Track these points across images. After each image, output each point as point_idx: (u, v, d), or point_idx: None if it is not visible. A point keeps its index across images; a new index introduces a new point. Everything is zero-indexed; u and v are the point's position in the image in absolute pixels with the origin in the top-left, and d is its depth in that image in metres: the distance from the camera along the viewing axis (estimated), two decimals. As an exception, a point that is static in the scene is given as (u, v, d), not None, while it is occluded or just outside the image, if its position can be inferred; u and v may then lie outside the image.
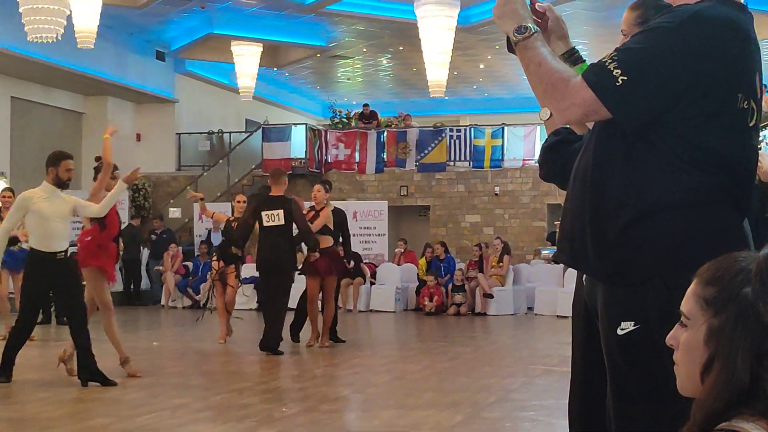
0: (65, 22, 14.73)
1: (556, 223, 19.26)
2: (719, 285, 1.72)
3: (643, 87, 2.47)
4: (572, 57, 3.05)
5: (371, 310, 18.29)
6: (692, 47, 2.48)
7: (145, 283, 20.81)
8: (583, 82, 2.51)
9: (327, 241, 11.54)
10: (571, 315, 3.29)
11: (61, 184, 8.72)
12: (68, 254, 8.73)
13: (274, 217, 11.02)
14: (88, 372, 8.49)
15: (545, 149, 3.51)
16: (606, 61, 2.51)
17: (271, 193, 11.37)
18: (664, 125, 2.51)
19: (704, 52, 2.48)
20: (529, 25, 2.66)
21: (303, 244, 11.57)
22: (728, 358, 1.66)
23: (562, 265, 17.27)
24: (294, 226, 11.19)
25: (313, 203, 11.95)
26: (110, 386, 8.41)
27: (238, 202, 12.35)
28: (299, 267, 11.61)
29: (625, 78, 2.46)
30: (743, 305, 1.67)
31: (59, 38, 14.73)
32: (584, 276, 2.91)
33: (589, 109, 2.52)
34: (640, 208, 2.52)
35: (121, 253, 20.35)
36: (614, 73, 2.46)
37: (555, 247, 18.74)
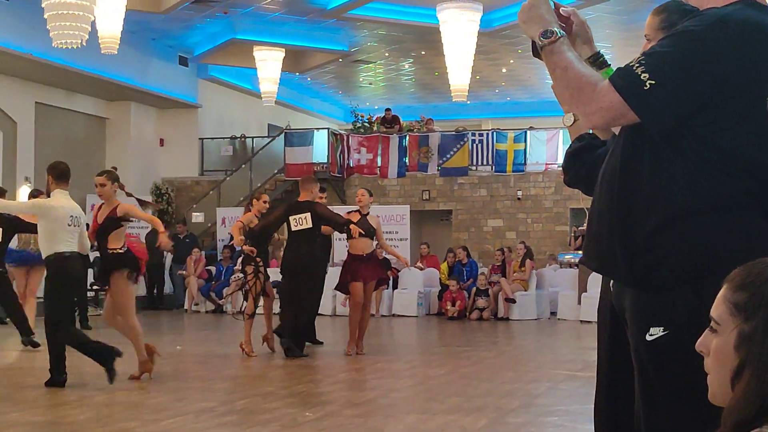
0: (90, 28, 14.81)
1: (580, 228, 19.17)
2: (750, 290, 1.71)
3: (671, 91, 2.46)
4: (597, 61, 3.05)
5: (394, 315, 18.28)
6: (720, 51, 2.46)
7: (168, 287, 20.90)
8: (610, 86, 2.50)
9: (369, 246, 11.54)
10: (595, 320, 3.27)
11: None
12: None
13: (301, 221, 11.07)
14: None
15: (569, 155, 3.50)
16: (633, 65, 2.50)
17: (299, 199, 11.40)
18: (691, 129, 2.50)
19: (732, 56, 2.47)
20: (555, 29, 2.66)
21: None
22: (759, 365, 1.65)
23: (577, 270, 17.23)
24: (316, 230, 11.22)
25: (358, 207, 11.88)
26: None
27: (265, 202, 12.24)
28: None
29: (653, 82, 2.45)
30: None
31: (84, 44, 14.81)
32: (611, 281, 2.90)
33: (617, 113, 2.52)
34: (668, 213, 2.51)
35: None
36: (642, 77, 2.46)
37: (577, 252, 18.67)
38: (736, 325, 1.71)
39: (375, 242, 11.71)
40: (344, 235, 12.13)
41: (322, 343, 12.41)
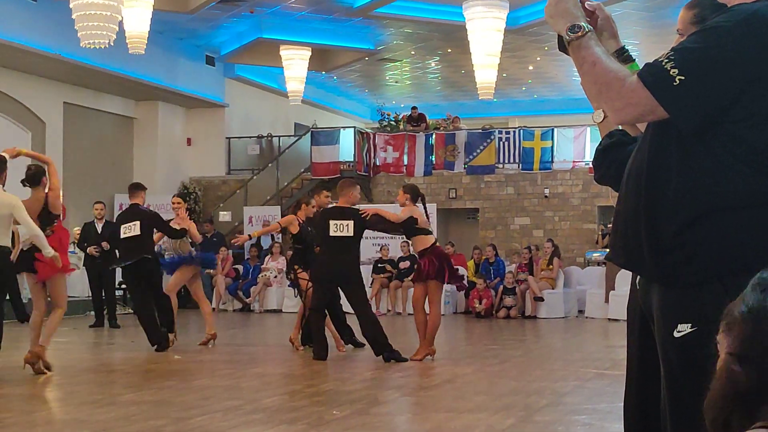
0: (117, 28, 14.89)
1: (609, 226, 19.10)
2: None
3: (701, 87, 2.43)
4: (622, 56, 3.01)
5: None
6: (750, 46, 2.44)
7: (195, 286, 20.96)
8: (639, 82, 2.47)
9: (427, 241, 10.95)
10: (623, 318, 3.25)
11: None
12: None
13: (342, 228, 10.73)
14: None
15: (599, 152, 3.47)
16: (662, 60, 2.47)
17: (339, 204, 11.02)
18: (720, 125, 2.47)
19: (762, 52, 2.44)
20: (583, 24, 2.63)
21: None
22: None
23: (604, 268, 17.15)
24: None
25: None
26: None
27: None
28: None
29: (683, 77, 2.42)
30: None
31: (112, 44, 14.89)
32: (638, 278, 2.87)
33: (646, 108, 2.49)
34: (697, 210, 2.48)
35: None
36: (671, 72, 2.43)
37: (604, 250, 18.60)
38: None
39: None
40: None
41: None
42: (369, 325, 10.65)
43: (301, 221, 11.73)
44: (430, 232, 11.09)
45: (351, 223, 10.71)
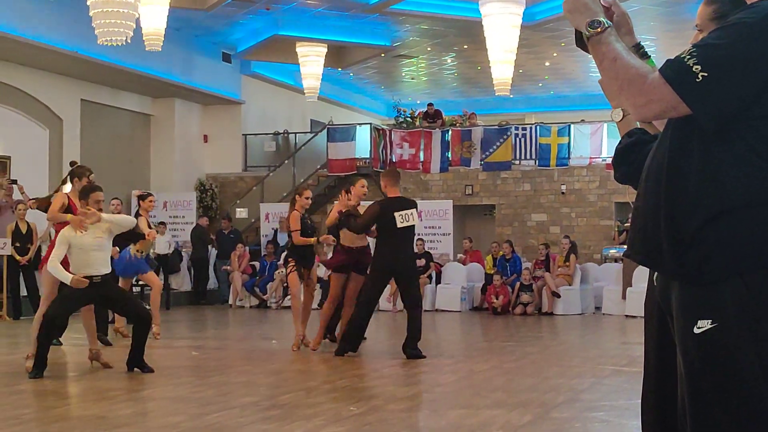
0: (134, 25, 14.93)
1: (626, 223, 19.04)
2: None
3: (724, 83, 2.42)
4: (638, 53, 3.01)
5: (437, 310, 18.27)
6: None
7: (212, 282, 21.04)
8: (661, 78, 2.47)
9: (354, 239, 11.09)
10: (640, 315, 3.24)
11: None
12: (104, 278, 9.17)
13: (408, 218, 10.55)
14: (138, 359, 9.28)
15: (620, 151, 3.46)
16: (684, 56, 2.46)
17: (392, 195, 10.82)
18: (743, 122, 2.46)
19: None
20: (602, 19, 2.63)
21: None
22: None
23: (621, 265, 17.10)
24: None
25: None
26: (149, 372, 9.17)
27: (307, 198, 11.99)
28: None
29: (706, 74, 2.41)
30: None
31: (129, 41, 14.93)
32: (655, 274, 2.86)
33: (668, 105, 2.48)
34: (719, 206, 2.47)
35: (190, 252, 20.71)
36: (694, 68, 2.42)
37: (621, 246, 18.53)
38: None
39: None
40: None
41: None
42: (418, 321, 10.64)
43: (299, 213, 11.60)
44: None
45: (414, 211, 10.66)
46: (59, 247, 9.02)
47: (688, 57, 2.45)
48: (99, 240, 9.06)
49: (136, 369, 9.25)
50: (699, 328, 2.51)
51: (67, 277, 8.89)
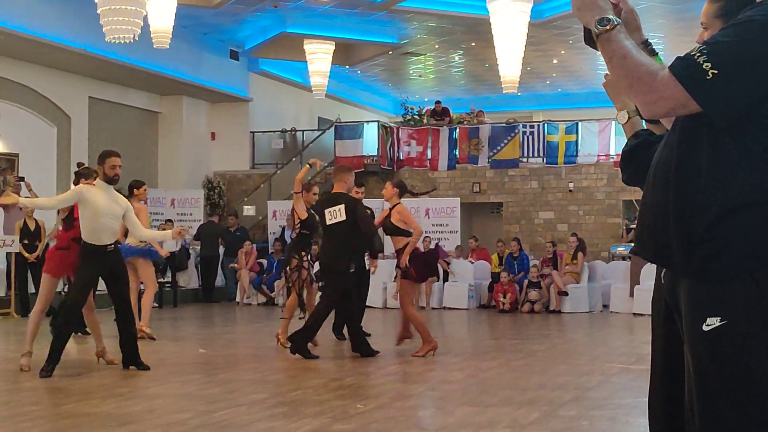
0: (142, 23, 14.95)
1: (633, 221, 19.00)
2: None
3: (735, 81, 2.41)
4: (646, 49, 3.00)
5: (444, 308, 18.27)
6: None
7: (220, 280, 21.06)
8: (671, 76, 2.46)
9: (404, 241, 10.82)
10: (648, 313, 3.24)
11: (109, 180, 9.25)
12: (116, 247, 9.27)
13: (335, 214, 10.62)
14: (132, 355, 9.25)
15: (626, 153, 3.46)
16: (695, 54, 2.45)
17: (333, 190, 10.93)
18: (753, 120, 2.46)
19: None
20: (612, 16, 2.62)
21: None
22: None
23: (629, 263, 17.07)
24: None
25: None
26: (145, 370, 9.18)
27: (315, 194, 11.88)
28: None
29: (716, 72, 2.40)
30: None
31: (137, 38, 14.95)
32: (663, 272, 2.86)
33: (678, 103, 2.48)
34: (728, 204, 2.47)
35: (198, 250, 20.70)
36: (704, 66, 2.42)
37: (629, 244, 18.52)
38: None
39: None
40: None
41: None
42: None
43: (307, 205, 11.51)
44: (410, 234, 10.76)
45: (342, 207, 10.63)
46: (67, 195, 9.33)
47: (699, 54, 2.45)
48: (117, 210, 9.16)
49: (131, 367, 9.26)
50: (708, 325, 2.50)
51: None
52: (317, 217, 11.13)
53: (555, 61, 24.90)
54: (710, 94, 2.44)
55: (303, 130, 25.53)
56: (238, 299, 20.01)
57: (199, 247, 20.84)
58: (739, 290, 2.46)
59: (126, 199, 9.55)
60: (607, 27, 2.61)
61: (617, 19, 2.63)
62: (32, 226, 15.69)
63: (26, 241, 15.60)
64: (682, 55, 2.51)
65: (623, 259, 18.66)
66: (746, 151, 2.47)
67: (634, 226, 18.65)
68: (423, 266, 10.78)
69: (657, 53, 3.09)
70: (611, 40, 2.60)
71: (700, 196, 2.51)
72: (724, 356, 2.49)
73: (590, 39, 2.72)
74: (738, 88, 2.42)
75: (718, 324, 2.48)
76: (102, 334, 9.90)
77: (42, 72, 19.36)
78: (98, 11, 14.78)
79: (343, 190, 10.80)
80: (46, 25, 17.59)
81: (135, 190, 12.14)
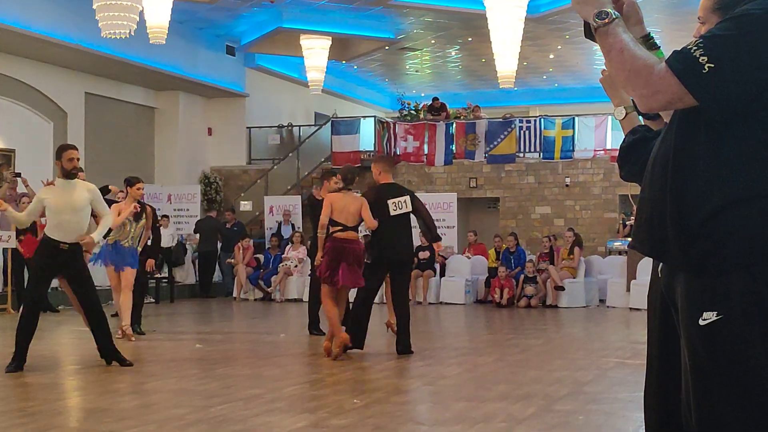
0: (138, 18, 14.92)
1: (630, 216, 19.01)
2: None
3: (731, 74, 2.42)
4: (647, 43, 3.00)
5: (441, 303, 18.28)
6: None
7: (217, 275, 21.05)
8: (668, 69, 2.46)
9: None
10: (645, 307, 3.24)
11: (68, 175, 9.19)
12: (74, 248, 9.10)
13: (401, 205, 10.28)
14: (110, 352, 9.18)
15: (624, 149, 3.46)
16: (691, 48, 2.46)
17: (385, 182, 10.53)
18: (750, 114, 2.46)
19: None
20: (610, 10, 2.62)
21: None
22: None
23: (626, 258, 17.09)
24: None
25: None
26: (127, 366, 9.07)
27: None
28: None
29: (712, 65, 2.41)
30: None
31: (132, 34, 14.92)
32: (660, 267, 2.86)
33: (674, 96, 2.48)
34: (726, 198, 2.47)
35: (195, 245, 20.68)
36: (700, 59, 2.42)
37: (626, 239, 18.52)
38: None
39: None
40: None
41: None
42: (405, 316, 10.35)
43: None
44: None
45: (408, 199, 10.31)
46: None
47: (695, 48, 2.45)
48: (77, 203, 9.06)
49: (114, 362, 9.18)
50: (704, 320, 2.50)
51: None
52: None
53: (551, 56, 24.89)
54: (706, 88, 2.44)
55: (300, 126, 25.51)
56: (234, 294, 20.01)
57: (195, 243, 20.83)
58: (736, 285, 2.46)
59: (92, 186, 9.35)
60: (606, 20, 2.61)
61: (616, 12, 2.64)
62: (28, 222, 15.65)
63: (22, 237, 15.58)
64: (679, 48, 2.52)
65: (620, 253, 18.68)
66: (743, 146, 2.47)
67: (630, 221, 18.68)
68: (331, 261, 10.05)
69: (659, 47, 3.09)
70: (609, 34, 2.61)
71: (698, 190, 2.51)
72: (720, 351, 2.50)
73: (590, 33, 2.72)
74: (734, 82, 2.43)
75: (715, 318, 2.49)
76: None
77: (38, 68, 19.33)
78: (94, 6, 14.76)
79: (392, 180, 10.62)
80: (41, 20, 17.56)
81: (128, 188, 11.87)
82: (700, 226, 2.50)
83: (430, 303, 18.11)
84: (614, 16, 2.62)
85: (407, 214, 10.36)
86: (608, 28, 2.61)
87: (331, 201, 10.11)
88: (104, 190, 11.84)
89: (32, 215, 9.46)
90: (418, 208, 10.55)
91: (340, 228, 10.02)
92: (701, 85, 2.44)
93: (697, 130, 2.55)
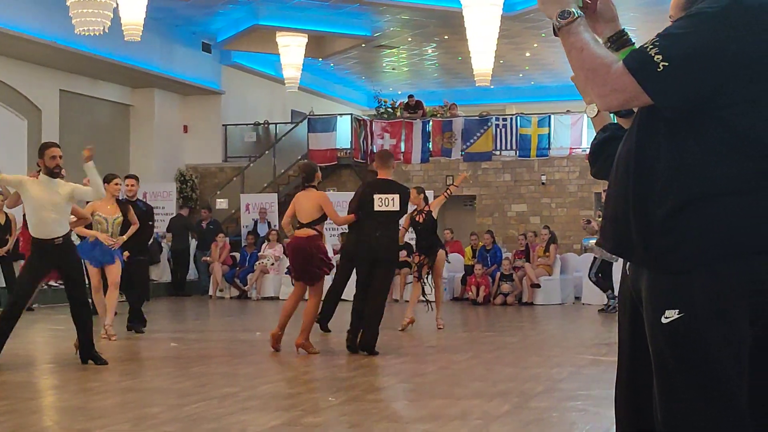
0: (112, 15, 14.85)
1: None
2: None
3: (684, 73, 2.44)
4: (621, 39, 3.01)
5: (418, 300, 18.25)
6: (735, 33, 2.44)
7: (192, 273, 20.99)
8: (624, 68, 2.49)
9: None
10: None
11: (51, 173, 9.18)
12: (66, 241, 9.14)
13: (388, 202, 10.14)
14: (88, 350, 9.08)
15: (595, 147, 3.49)
16: (647, 46, 2.48)
17: (380, 177, 10.44)
18: (708, 112, 2.48)
19: (747, 39, 2.44)
20: (573, 9, 2.64)
21: None
22: None
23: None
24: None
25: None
26: (103, 365, 8.95)
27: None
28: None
29: (666, 64, 2.43)
30: None
31: (106, 31, 14.85)
32: (628, 264, 2.88)
33: (630, 95, 2.50)
34: (686, 195, 2.49)
35: (170, 243, 20.60)
36: (655, 58, 2.44)
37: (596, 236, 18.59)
38: None
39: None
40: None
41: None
42: (373, 312, 10.15)
43: None
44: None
45: (396, 197, 10.17)
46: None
47: (651, 47, 2.47)
48: (58, 201, 9.05)
49: (89, 361, 9.10)
50: (667, 317, 2.52)
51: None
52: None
53: (527, 54, 24.96)
54: (660, 86, 2.46)
55: (276, 123, 25.48)
56: (210, 292, 19.97)
57: (170, 241, 20.75)
58: (697, 282, 2.48)
59: (70, 185, 9.42)
60: (568, 19, 2.63)
61: (579, 11, 2.65)
62: (2, 220, 15.54)
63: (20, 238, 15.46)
64: (638, 47, 2.54)
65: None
66: (703, 143, 2.49)
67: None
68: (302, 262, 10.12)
69: (633, 43, 3.11)
70: (571, 33, 2.62)
71: (658, 187, 2.53)
72: (682, 348, 2.51)
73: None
74: (687, 80, 2.44)
75: (677, 316, 2.50)
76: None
77: (12, 65, 19.20)
78: (68, 3, 14.68)
79: (390, 176, 10.50)
80: (15, 17, 17.45)
81: (106, 185, 11.67)
82: (660, 224, 2.52)
83: (405, 300, 18.10)
84: (576, 15, 2.63)
85: (395, 212, 10.25)
86: (570, 27, 2.62)
87: (294, 200, 10.28)
88: None
89: (10, 183, 9.53)
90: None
91: (298, 225, 10.14)
92: (654, 84, 2.46)
93: (657, 128, 2.57)
